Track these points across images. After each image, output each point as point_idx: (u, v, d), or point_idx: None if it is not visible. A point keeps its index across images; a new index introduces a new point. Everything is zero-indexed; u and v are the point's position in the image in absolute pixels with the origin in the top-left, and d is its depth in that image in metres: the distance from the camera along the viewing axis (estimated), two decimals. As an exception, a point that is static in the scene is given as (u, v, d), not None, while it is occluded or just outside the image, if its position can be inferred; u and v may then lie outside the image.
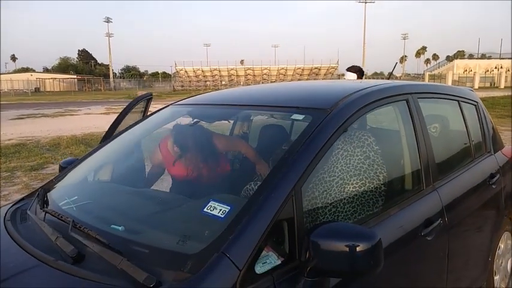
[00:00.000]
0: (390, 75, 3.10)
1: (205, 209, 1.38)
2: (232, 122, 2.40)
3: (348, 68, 4.37)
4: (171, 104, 2.52)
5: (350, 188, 2.05)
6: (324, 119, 1.61)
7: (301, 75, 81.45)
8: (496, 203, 2.64)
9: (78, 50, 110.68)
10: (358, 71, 4.25)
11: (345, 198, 1.97)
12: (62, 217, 1.57)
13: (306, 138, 1.52)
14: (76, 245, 1.36)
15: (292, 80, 77.03)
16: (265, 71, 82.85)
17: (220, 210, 1.35)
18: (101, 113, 20.54)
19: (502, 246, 2.89)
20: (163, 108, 2.50)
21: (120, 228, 1.46)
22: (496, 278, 2.85)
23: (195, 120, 2.19)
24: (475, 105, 2.84)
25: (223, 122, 2.39)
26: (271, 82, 72.08)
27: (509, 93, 26.96)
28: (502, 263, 2.94)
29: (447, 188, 2.11)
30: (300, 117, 1.71)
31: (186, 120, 2.21)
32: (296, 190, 1.37)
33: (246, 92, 2.42)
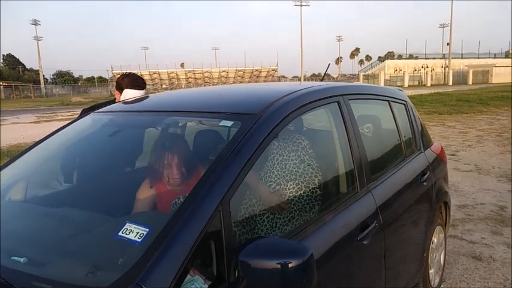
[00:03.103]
0: (324, 77, 3.09)
1: (120, 233, 1.21)
2: (160, 129, 2.23)
3: (120, 80, 2.84)
4: (93, 111, 2.31)
5: (287, 193, 1.98)
6: (253, 124, 1.52)
7: (242, 77, 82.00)
8: (428, 199, 2.72)
9: (3, 55, 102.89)
10: (138, 84, 2.82)
11: (282, 204, 1.89)
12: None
13: (235, 146, 1.41)
14: (-36, 286, 1.14)
15: (234, 82, 77.30)
16: (206, 74, 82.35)
17: (137, 233, 1.19)
18: (31, 122, 19.12)
19: (435, 240, 2.98)
20: (82, 116, 2.28)
21: (21, 260, 1.25)
22: (431, 271, 2.94)
23: (116, 130, 2.00)
24: (404, 105, 2.90)
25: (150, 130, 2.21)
26: (213, 85, 71.79)
27: (435, 91, 28.95)
28: (435, 256, 3.04)
29: (381, 189, 2.11)
30: (229, 123, 1.60)
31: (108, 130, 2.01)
32: (224, 204, 1.26)
33: (173, 97, 2.26)
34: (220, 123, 1.62)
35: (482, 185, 6.01)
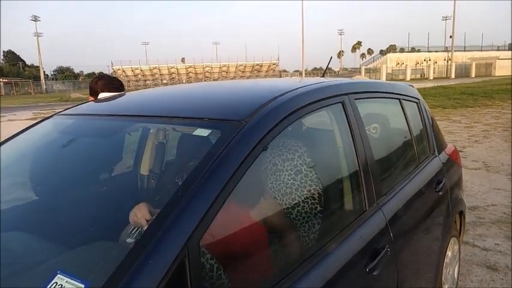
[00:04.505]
0: (325, 72, 2.75)
1: (48, 288, 0.89)
2: (131, 135, 1.90)
3: (94, 84, 2.61)
4: (56, 113, 1.99)
5: (283, 210, 1.68)
6: (235, 134, 1.19)
7: (243, 72, 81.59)
8: (444, 210, 2.39)
9: (4, 52, 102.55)
10: (114, 86, 2.57)
11: (278, 226, 1.59)
12: None
13: (209, 166, 1.08)
14: None
15: (234, 77, 76.99)
16: (207, 69, 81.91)
17: (70, 290, 0.88)
18: (27, 119, 18.76)
19: (450, 253, 2.67)
20: (46, 118, 1.96)
21: None
22: (445, 288, 2.63)
23: (70, 139, 1.67)
24: (416, 103, 2.56)
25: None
26: (214, 80, 71.53)
27: (438, 84, 28.50)
28: (449, 271, 2.73)
29: (393, 204, 1.77)
30: (205, 132, 1.26)
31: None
32: (191, 246, 0.93)
33: (147, 97, 1.90)
34: (195, 133, 1.28)
35: (491, 184, 5.69)
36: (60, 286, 0.88)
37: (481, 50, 70.51)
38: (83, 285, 0.88)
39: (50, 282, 0.90)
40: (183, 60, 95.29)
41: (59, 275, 0.91)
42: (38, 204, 1.58)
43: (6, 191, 1.56)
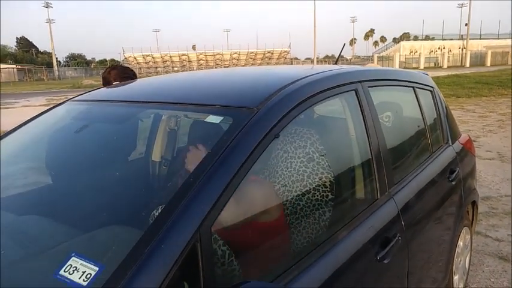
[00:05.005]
0: (338, 59, 2.72)
1: (62, 271, 0.91)
2: (143, 121, 1.91)
3: (106, 74, 2.59)
4: (68, 99, 2.00)
5: (293, 197, 1.68)
6: (248, 121, 1.18)
7: (254, 59, 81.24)
8: (457, 200, 2.37)
9: (17, 38, 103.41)
10: (127, 76, 2.54)
11: (289, 213, 1.59)
12: None
13: (221, 153, 1.08)
14: None
15: (245, 64, 76.68)
16: (217, 56, 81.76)
17: (84, 273, 0.89)
18: (41, 105, 19.02)
19: (461, 243, 2.65)
20: (58, 104, 1.98)
21: None
22: (455, 278, 2.62)
23: (84, 124, 1.68)
24: (431, 91, 2.52)
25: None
26: (224, 67, 71.34)
27: (452, 73, 28.02)
28: (460, 261, 2.71)
29: (405, 193, 1.76)
30: (217, 119, 1.26)
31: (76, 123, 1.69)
32: (203, 231, 0.94)
33: (158, 83, 1.90)
34: (207, 120, 1.28)
35: (506, 174, 5.62)
36: (74, 268, 0.90)
37: (498, 38, 68.93)
38: (97, 268, 0.90)
39: (64, 264, 0.92)
40: (194, 47, 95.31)
41: (73, 258, 0.93)
42: (53, 188, 1.61)
43: (22, 175, 1.59)
